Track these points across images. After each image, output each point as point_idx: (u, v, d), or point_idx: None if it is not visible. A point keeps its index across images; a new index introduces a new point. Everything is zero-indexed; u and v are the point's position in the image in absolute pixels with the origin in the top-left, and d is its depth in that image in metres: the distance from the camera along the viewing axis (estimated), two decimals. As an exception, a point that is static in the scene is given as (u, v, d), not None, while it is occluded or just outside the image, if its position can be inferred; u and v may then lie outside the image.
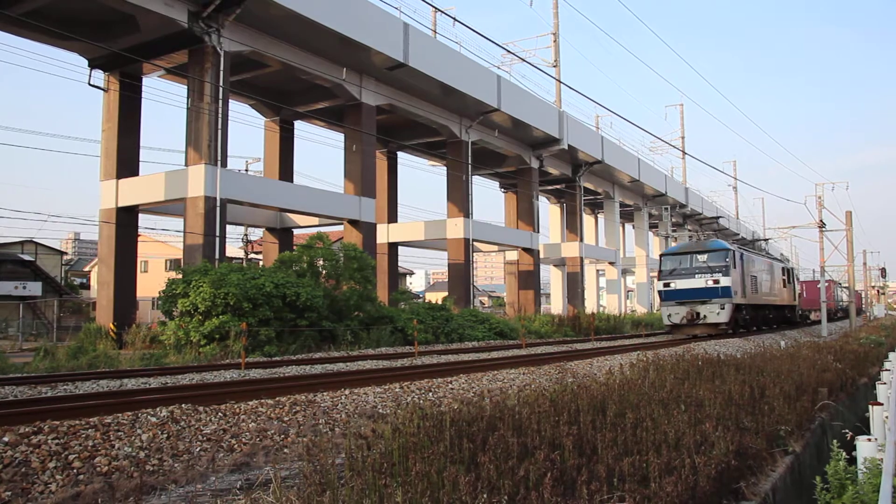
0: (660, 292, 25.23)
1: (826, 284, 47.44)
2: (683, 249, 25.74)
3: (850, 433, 5.67)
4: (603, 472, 4.03)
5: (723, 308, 23.10)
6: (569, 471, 4.13)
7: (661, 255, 26.46)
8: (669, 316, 24.26)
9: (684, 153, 60.39)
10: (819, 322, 45.18)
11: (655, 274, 29.02)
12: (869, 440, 4.62)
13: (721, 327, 23.41)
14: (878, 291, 76.79)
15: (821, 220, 36.01)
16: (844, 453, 5.05)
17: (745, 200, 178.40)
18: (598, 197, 51.73)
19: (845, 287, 60.08)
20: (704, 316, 23.36)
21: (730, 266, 23.47)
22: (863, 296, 69.51)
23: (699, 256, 24.41)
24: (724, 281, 23.22)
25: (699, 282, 23.75)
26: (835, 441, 5.37)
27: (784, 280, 33.19)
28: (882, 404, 5.49)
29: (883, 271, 67.21)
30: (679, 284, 24.22)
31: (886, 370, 9.68)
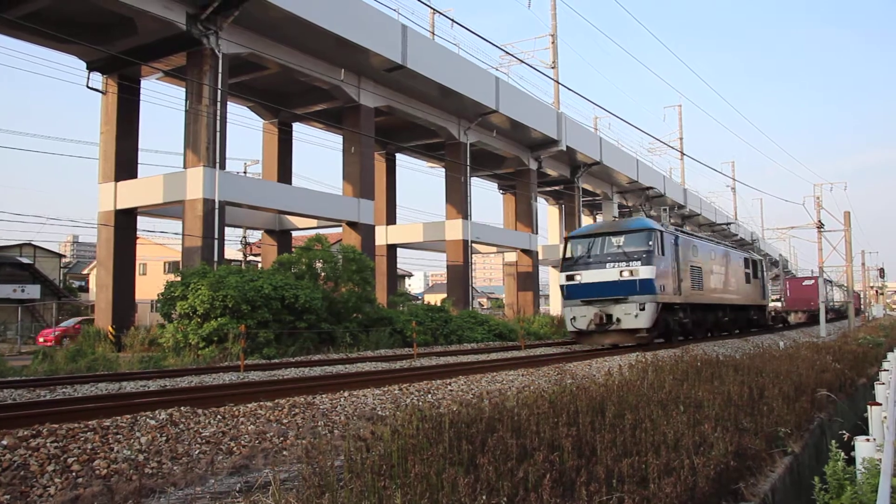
0: (562, 287, 18.95)
1: (813, 283, 44.59)
2: (594, 230, 19.61)
3: (849, 434, 5.67)
4: (602, 474, 4.04)
5: (642, 309, 17.34)
6: (568, 472, 4.13)
7: (566, 238, 20.18)
8: (573, 319, 18.34)
9: (683, 154, 60.49)
10: (799, 325, 41.65)
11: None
12: (867, 440, 4.62)
13: (640, 335, 17.65)
14: (876, 291, 76.84)
15: (819, 221, 36.05)
16: (843, 453, 5.06)
17: (744, 201, 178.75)
18: (597, 198, 51.77)
19: (839, 286, 57.05)
20: (618, 319, 17.61)
21: (653, 252, 17.74)
22: (861, 296, 69.48)
23: (613, 239, 18.41)
24: (645, 272, 17.45)
25: (611, 273, 17.86)
26: (833, 441, 5.37)
27: (748, 274, 26.81)
28: (880, 404, 5.50)
29: (881, 271, 67.27)
30: (586, 277, 18.26)
31: (885, 370, 9.70)
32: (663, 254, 18.32)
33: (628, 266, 17.69)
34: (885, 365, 10.80)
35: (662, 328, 18.65)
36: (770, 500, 5.10)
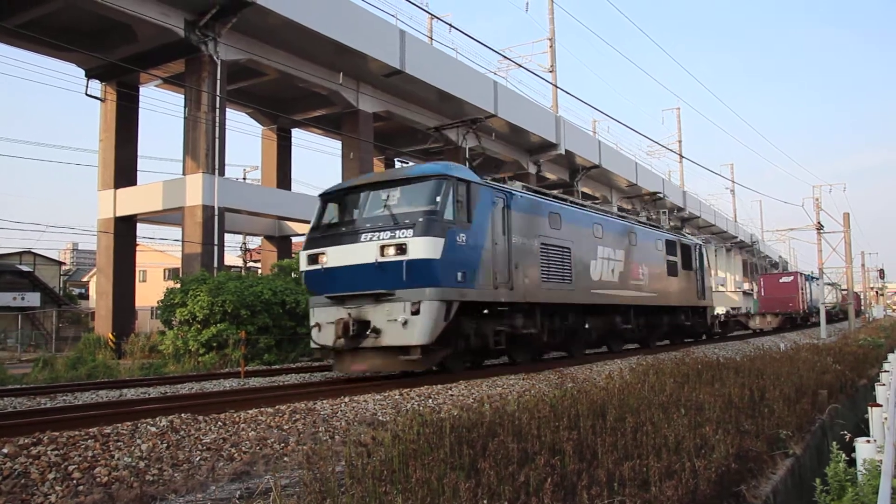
0: (304, 274, 11.74)
1: (791, 280, 39.68)
2: (358, 182, 12.30)
3: (850, 435, 5.68)
4: (603, 477, 4.04)
5: (415, 312, 10.15)
6: (569, 476, 4.13)
7: (320, 196, 12.42)
8: (317, 328, 11.17)
9: (681, 157, 60.54)
10: (767, 332, 34.19)
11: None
12: (868, 442, 4.63)
13: (411, 357, 10.36)
14: (876, 293, 76.85)
15: (818, 223, 36.07)
16: (844, 455, 5.07)
17: (743, 203, 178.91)
18: (597, 201, 51.83)
19: (831, 284, 50.83)
20: (378, 330, 10.38)
21: (442, 214, 10.55)
22: (861, 297, 69.43)
23: (382, 194, 11.25)
24: (420, 247, 10.19)
25: (367, 250, 10.53)
26: (834, 443, 5.38)
27: (672, 263, 19.33)
28: (881, 406, 5.50)
29: (881, 272, 67.27)
30: (333, 257, 10.99)
31: (885, 371, 9.72)
32: (470, 220, 11.06)
33: (394, 237, 10.31)
34: (886, 366, 10.81)
35: (464, 345, 11.34)
36: (771, 502, 5.10)
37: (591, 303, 14.80)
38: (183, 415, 6.90)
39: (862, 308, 65.23)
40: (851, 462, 4.91)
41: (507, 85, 33.93)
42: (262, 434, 6.86)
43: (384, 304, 10.45)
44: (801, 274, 41.82)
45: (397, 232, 10.39)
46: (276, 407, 7.78)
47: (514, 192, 12.65)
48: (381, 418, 8.03)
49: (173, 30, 20.72)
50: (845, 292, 54.13)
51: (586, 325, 15.02)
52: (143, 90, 25.87)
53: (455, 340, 11.09)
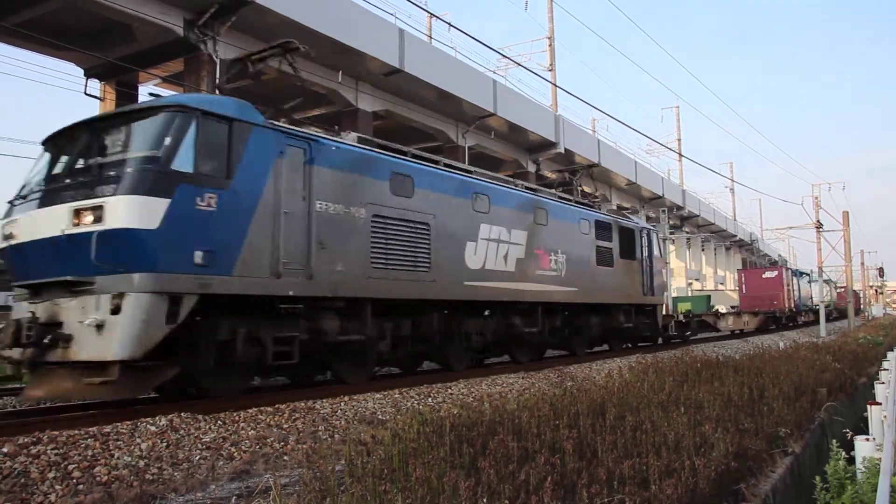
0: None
1: (776, 275, 36.08)
2: (85, 119, 8.32)
3: (850, 433, 5.69)
4: (603, 476, 4.05)
5: (116, 310, 6.71)
6: (569, 474, 4.14)
7: (42, 143, 8.57)
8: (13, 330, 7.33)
9: (681, 156, 60.54)
10: (741, 334, 29.96)
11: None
12: (867, 440, 4.64)
13: (97, 381, 6.76)
14: (875, 291, 76.93)
15: (818, 221, 36.10)
16: (844, 453, 5.08)
17: (743, 202, 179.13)
18: (596, 200, 51.76)
19: (825, 282, 45.22)
20: (69, 336, 6.87)
21: (168, 163, 7.21)
22: (860, 295, 69.49)
23: (102, 136, 7.83)
24: (122, 211, 6.84)
25: (57, 218, 7.10)
26: (834, 441, 5.39)
27: (606, 250, 16.04)
28: (880, 404, 5.51)
29: (881, 271, 67.34)
30: (24, 229, 7.52)
31: (885, 370, 9.73)
32: (230, 175, 7.83)
33: (92, 197, 7.12)
34: (885, 364, 10.84)
35: (220, 359, 7.94)
36: (771, 501, 5.11)
37: (465, 298, 11.31)
38: (182, 413, 6.90)
39: (861, 306, 65.31)
40: (851, 460, 4.92)
41: (506, 84, 33.94)
42: (261, 433, 6.87)
43: (80, 297, 7.09)
44: (786, 269, 38.42)
45: (97, 189, 7.10)
46: (276, 406, 7.78)
47: (322, 139, 9.41)
48: (380, 417, 8.04)
49: (172, 29, 20.69)
50: (841, 290, 54.03)
51: (464, 329, 11.53)
52: (142, 89, 25.82)
53: (204, 353, 7.74)
